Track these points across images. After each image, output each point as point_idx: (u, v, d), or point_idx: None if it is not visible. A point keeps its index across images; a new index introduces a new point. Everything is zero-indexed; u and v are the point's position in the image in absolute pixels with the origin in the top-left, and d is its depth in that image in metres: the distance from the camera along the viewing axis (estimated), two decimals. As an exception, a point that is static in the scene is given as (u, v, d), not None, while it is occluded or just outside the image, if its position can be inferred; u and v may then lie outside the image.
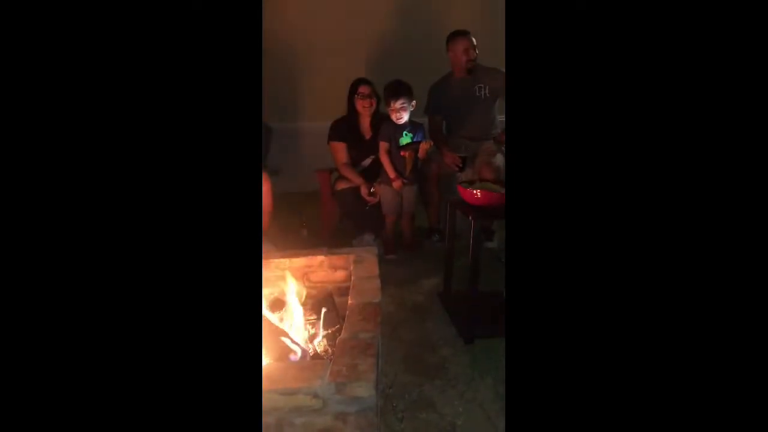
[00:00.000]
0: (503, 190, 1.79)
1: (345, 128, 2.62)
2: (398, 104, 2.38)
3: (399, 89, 2.39)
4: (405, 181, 2.48)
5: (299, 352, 1.27)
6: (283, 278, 1.54)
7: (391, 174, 2.47)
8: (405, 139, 2.47)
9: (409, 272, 2.38)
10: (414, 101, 2.45)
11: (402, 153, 2.45)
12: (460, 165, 2.51)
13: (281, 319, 1.43)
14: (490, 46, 2.76)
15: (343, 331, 1.23)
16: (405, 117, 2.42)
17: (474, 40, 2.64)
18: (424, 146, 2.43)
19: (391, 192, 2.51)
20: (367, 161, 2.66)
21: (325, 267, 1.76)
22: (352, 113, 2.61)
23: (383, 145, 2.47)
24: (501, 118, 2.78)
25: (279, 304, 1.51)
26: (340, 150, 2.60)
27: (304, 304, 1.51)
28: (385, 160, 2.48)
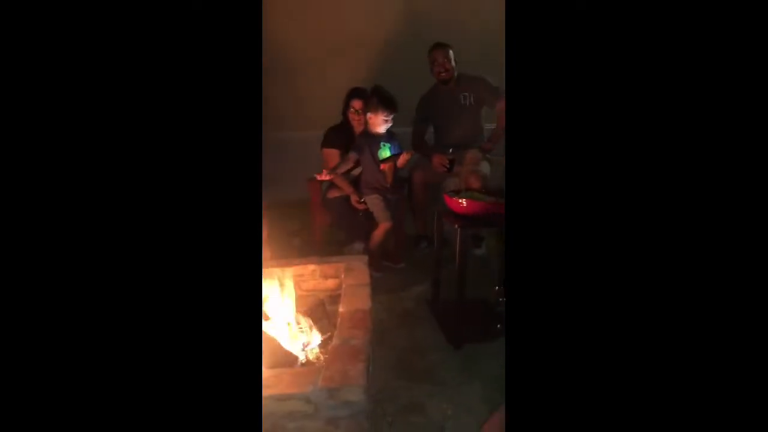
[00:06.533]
0: (489, 199, 1.84)
1: (339, 136, 2.66)
2: (381, 117, 2.32)
3: (381, 101, 2.32)
4: (378, 195, 2.44)
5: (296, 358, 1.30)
6: (277, 286, 1.57)
7: (347, 190, 2.48)
8: (384, 150, 2.42)
9: (399, 280, 2.43)
10: (394, 113, 2.36)
11: (382, 167, 2.42)
12: (448, 166, 2.55)
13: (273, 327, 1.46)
14: (493, 53, 2.79)
15: (334, 338, 1.27)
16: (383, 129, 2.38)
17: (451, 52, 2.69)
18: (404, 157, 2.41)
19: (379, 200, 2.50)
20: (358, 170, 2.71)
21: (317, 275, 1.81)
22: (347, 122, 2.66)
23: (351, 156, 2.41)
24: (488, 126, 2.84)
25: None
26: (333, 157, 2.64)
27: (297, 312, 1.55)
28: (338, 179, 2.47)
